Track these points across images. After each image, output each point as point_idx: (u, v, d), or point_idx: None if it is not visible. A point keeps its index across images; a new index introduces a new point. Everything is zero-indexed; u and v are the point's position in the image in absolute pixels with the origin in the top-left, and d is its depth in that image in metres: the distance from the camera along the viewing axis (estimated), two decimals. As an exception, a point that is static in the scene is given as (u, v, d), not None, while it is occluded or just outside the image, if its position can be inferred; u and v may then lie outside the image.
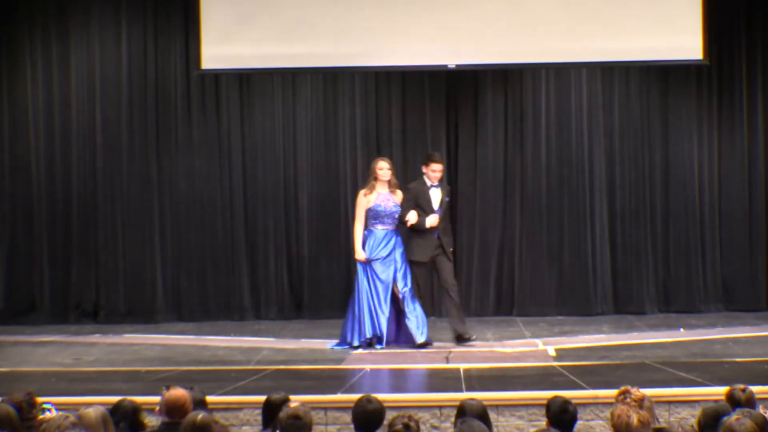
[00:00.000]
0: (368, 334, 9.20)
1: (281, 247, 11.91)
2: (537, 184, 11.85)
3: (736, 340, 9.68)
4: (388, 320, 9.23)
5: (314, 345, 9.93)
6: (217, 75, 11.65)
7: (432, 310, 10.86)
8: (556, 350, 9.16)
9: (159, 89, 11.87)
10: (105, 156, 11.83)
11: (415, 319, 9.25)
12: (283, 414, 4.80)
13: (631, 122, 11.90)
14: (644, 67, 11.65)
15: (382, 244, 9.25)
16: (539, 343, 9.68)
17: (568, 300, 11.80)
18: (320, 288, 11.87)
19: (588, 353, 9.08)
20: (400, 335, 9.33)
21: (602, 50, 10.97)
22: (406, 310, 9.24)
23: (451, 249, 9.59)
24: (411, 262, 9.36)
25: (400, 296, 9.25)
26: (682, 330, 10.47)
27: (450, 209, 9.90)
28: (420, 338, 9.21)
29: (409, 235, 9.46)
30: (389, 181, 9.39)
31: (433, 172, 9.45)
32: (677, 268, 11.85)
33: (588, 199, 11.86)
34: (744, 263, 11.83)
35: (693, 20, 10.78)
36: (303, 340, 10.32)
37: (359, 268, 9.33)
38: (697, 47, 10.80)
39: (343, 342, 9.42)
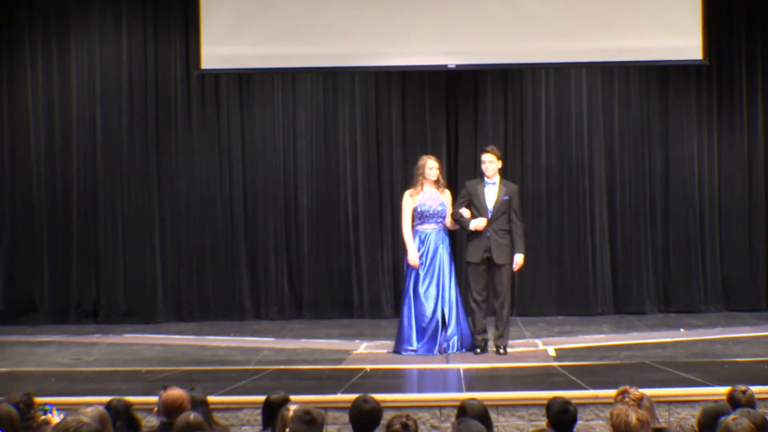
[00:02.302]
0: (415, 345, 8.92)
1: (281, 247, 11.91)
2: (537, 184, 11.85)
3: (736, 340, 9.68)
4: (437, 327, 8.97)
5: (314, 345, 9.94)
6: (217, 75, 11.65)
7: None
8: (556, 350, 9.15)
9: (159, 89, 11.87)
10: (105, 156, 11.83)
11: (454, 327, 9.03)
12: (294, 411, 4.78)
13: (631, 122, 11.90)
14: (644, 67, 11.65)
15: (430, 246, 9.01)
16: (539, 343, 9.67)
17: (568, 300, 11.80)
18: (320, 288, 11.88)
19: (588, 353, 9.08)
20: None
21: (602, 50, 10.96)
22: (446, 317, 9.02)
23: (519, 259, 8.97)
24: (466, 263, 9.19)
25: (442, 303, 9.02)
26: (682, 330, 10.47)
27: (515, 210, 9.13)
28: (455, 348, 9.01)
29: (468, 234, 9.17)
30: (436, 180, 9.14)
31: (482, 164, 9.06)
32: (677, 268, 11.86)
33: (588, 199, 11.86)
34: (744, 263, 11.83)
35: (693, 20, 10.78)
36: (303, 340, 10.33)
37: (409, 271, 9.04)
38: (697, 47, 10.81)
39: (397, 347, 9.07)
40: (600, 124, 11.89)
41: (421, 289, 8.99)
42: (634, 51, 10.90)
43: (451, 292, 9.03)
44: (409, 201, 9.10)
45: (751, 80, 11.81)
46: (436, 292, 9.00)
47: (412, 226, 9.10)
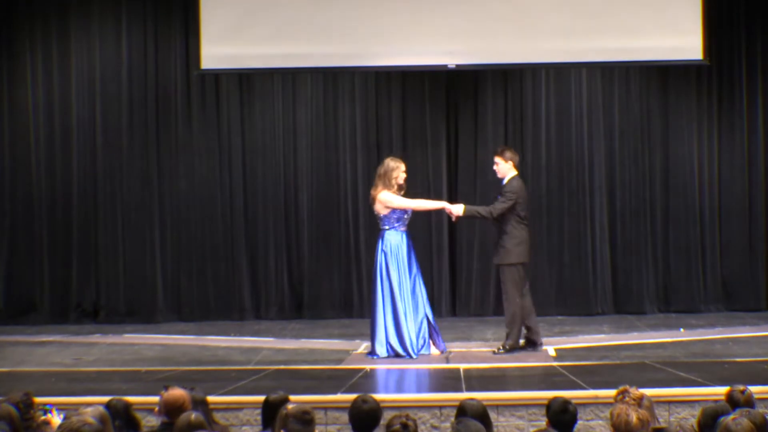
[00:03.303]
0: (402, 348, 8.83)
1: (281, 247, 11.91)
2: (537, 184, 11.84)
3: (736, 340, 9.69)
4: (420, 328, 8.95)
5: (314, 345, 9.94)
6: (217, 75, 11.65)
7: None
8: (556, 350, 9.15)
9: (159, 89, 11.87)
10: (105, 156, 11.83)
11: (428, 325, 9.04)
12: (285, 412, 4.79)
13: (631, 122, 11.90)
14: (644, 67, 11.66)
15: (408, 247, 8.93)
16: (539, 343, 9.67)
17: (568, 300, 11.80)
18: (320, 288, 11.88)
19: (588, 353, 9.08)
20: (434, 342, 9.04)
21: (602, 50, 10.96)
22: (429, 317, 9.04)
23: (457, 207, 9.11)
24: None
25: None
26: (682, 330, 10.47)
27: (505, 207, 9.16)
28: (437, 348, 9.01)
29: None
30: (401, 185, 9.06)
31: None
32: (677, 268, 11.86)
33: (588, 199, 11.87)
34: (744, 263, 11.83)
35: (693, 20, 10.78)
36: (303, 340, 10.33)
37: (386, 276, 8.89)
38: (697, 47, 10.80)
39: (375, 352, 8.92)
40: (600, 124, 11.89)
41: (408, 289, 8.93)
42: (634, 51, 10.90)
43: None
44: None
45: (751, 80, 11.81)
46: (421, 291, 9.00)
47: (387, 227, 9.00)
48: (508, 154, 9.15)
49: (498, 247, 9.09)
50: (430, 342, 9.00)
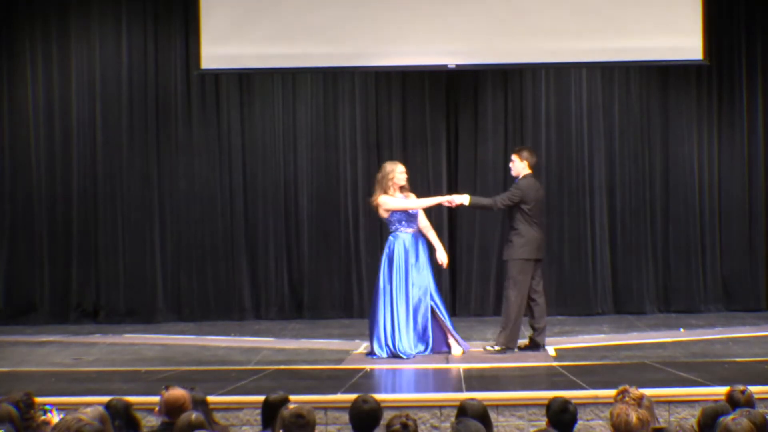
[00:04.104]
0: (398, 349, 8.79)
1: (281, 247, 11.91)
2: (537, 184, 11.85)
3: (736, 340, 9.68)
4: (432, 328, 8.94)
5: (314, 345, 9.94)
6: (217, 75, 11.66)
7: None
8: (556, 350, 9.14)
9: (159, 89, 11.88)
10: (105, 156, 11.84)
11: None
12: (286, 413, 4.80)
13: (631, 122, 11.90)
14: (644, 67, 11.66)
15: (412, 249, 8.93)
16: (539, 343, 9.66)
17: (568, 300, 11.80)
18: (320, 288, 11.88)
19: (588, 353, 9.07)
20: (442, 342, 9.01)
21: (602, 50, 10.97)
22: (443, 316, 9.01)
23: (462, 197, 9.13)
24: None
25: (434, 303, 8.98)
26: (682, 330, 10.47)
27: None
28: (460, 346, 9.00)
29: None
30: (402, 186, 9.04)
31: None
32: (677, 268, 11.86)
33: (588, 199, 11.87)
34: (744, 263, 11.84)
35: (693, 20, 10.78)
36: (303, 340, 10.33)
37: (387, 278, 8.88)
38: (697, 47, 10.81)
39: (374, 353, 8.90)
40: (600, 124, 11.90)
41: (409, 293, 8.92)
42: (634, 51, 10.90)
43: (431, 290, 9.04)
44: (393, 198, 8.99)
45: (751, 80, 11.81)
46: (423, 291, 8.99)
47: (397, 228, 8.96)
48: (525, 153, 9.17)
49: (508, 242, 9.15)
50: (452, 342, 8.96)
